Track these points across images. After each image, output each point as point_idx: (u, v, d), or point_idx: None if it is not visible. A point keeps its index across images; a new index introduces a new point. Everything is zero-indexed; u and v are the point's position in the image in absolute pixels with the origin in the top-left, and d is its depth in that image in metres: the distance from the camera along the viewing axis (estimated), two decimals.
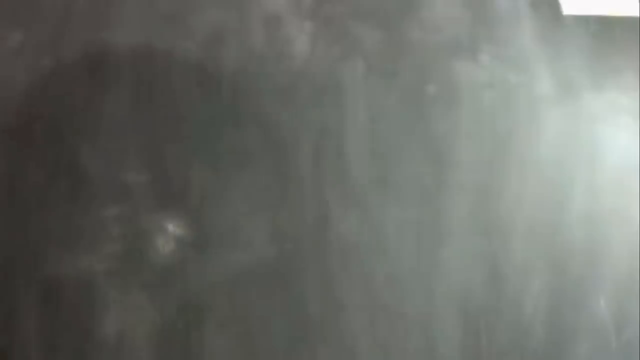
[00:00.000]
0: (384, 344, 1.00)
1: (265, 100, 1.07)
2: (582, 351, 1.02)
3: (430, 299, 1.02)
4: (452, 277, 1.02)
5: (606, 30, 1.14)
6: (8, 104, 1.05)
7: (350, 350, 1.00)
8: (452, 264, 1.03)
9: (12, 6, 1.10)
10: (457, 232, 1.04)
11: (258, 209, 1.03)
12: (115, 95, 1.06)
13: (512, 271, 1.03)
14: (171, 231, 1.01)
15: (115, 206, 1.02)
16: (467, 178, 1.06)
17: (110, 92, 1.06)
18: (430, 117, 1.08)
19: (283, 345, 1.00)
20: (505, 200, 1.05)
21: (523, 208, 1.05)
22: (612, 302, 1.03)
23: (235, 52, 1.09)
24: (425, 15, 1.13)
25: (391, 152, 1.06)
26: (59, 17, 1.09)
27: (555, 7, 1.15)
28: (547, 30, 1.13)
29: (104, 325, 0.98)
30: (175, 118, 1.06)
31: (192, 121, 1.06)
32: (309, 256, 1.02)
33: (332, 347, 1.00)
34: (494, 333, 1.01)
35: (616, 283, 1.04)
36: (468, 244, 1.03)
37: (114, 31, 1.09)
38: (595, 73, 1.12)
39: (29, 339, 0.97)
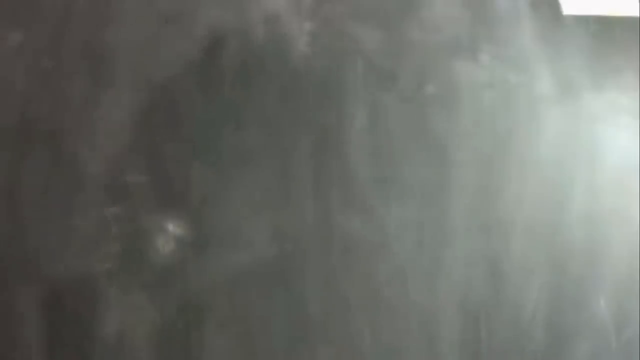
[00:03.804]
0: (385, 343, 1.00)
1: (265, 101, 1.07)
2: (582, 351, 1.02)
3: (432, 298, 1.02)
4: (453, 276, 1.02)
5: (606, 30, 1.14)
6: (8, 104, 1.05)
7: (350, 350, 1.00)
8: (453, 263, 1.03)
9: (12, 6, 1.10)
10: (458, 232, 1.04)
11: (258, 208, 1.03)
12: (114, 96, 1.06)
13: (513, 271, 1.03)
14: (171, 231, 1.01)
15: (115, 206, 1.02)
16: (468, 178, 1.06)
17: (110, 92, 1.06)
18: (430, 117, 1.08)
19: (283, 345, 1.00)
20: (505, 200, 1.06)
21: (523, 208, 1.05)
22: (612, 302, 1.04)
23: (235, 52, 1.09)
24: (425, 15, 1.13)
25: (391, 152, 1.06)
26: (59, 17, 1.09)
27: (555, 7, 1.15)
28: (547, 30, 1.14)
29: (104, 325, 0.98)
30: (176, 118, 1.06)
31: (192, 121, 1.06)
32: (309, 256, 1.02)
33: (332, 347, 1.00)
34: (495, 332, 1.01)
35: (616, 283, 1.04)
36: (469, 243, 1.04)
37: (114, 31, 1.09)
38: (595, 73, 1.12)
39: (29, 339, 0.97)
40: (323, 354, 1.00)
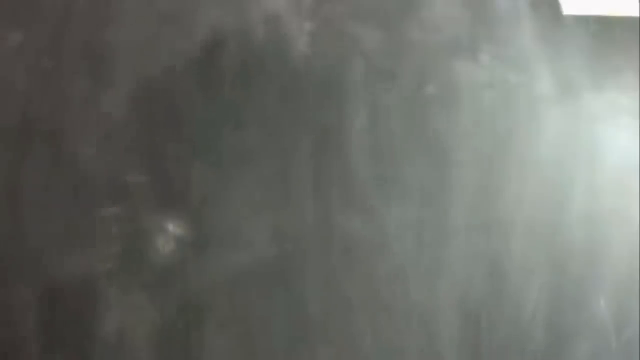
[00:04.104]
0: (385, 342, 1.00)
1: (265, 101, 1.07)
2: (582, 351, 1.02)
3: (432, 298, 1.02)
4: (454, 276, 1.03)
5: (606, 30, 1.15)
6: (8, 104, 1.05)
7: (350, 350, 1.00)
8: (453, 263, 1.03)
9: (12, 6, 1.10)
10: (458, 232, 1.04)
11: (258, 208, 1.03)
12: (114, 96, 1.06)
13: (513, 270, 1.03)
14: (171, 231, 1.01)
15: (115, 206, 1.02)
16: (468, 177, 1.06)
17: (110, 92, 1.06)
18: (430, 117, 1.08)
19: (283, 345, 1.00)
20: (505, 200, 1.06)
21: (523, 208, 1.05)
22: (612, 302, 1.04)
23: (235, 52, 1.09)
24: (425, 15, 1.13)
25: (392, 152, 1.06)
26: (59, 17, 1.09)
27: (555, 7, 1.15)
28: (547, 30, 1.14)
29: (105, 324, 0.98)
30: (176, 118, 1.06)
31: (192, 121, 1.06)
32: (309, 256, 1.02)
33: (332, 347, 1.00)
34: (495, 332, 1.01)
35: (616, 283, 1.04)
36: (469, 243, 1.04)
37: (114, 31, 1.09)
38: (595, 73, 1.12)
39: (29, 338, 0.97)
40: (323, 354, 1.00)
